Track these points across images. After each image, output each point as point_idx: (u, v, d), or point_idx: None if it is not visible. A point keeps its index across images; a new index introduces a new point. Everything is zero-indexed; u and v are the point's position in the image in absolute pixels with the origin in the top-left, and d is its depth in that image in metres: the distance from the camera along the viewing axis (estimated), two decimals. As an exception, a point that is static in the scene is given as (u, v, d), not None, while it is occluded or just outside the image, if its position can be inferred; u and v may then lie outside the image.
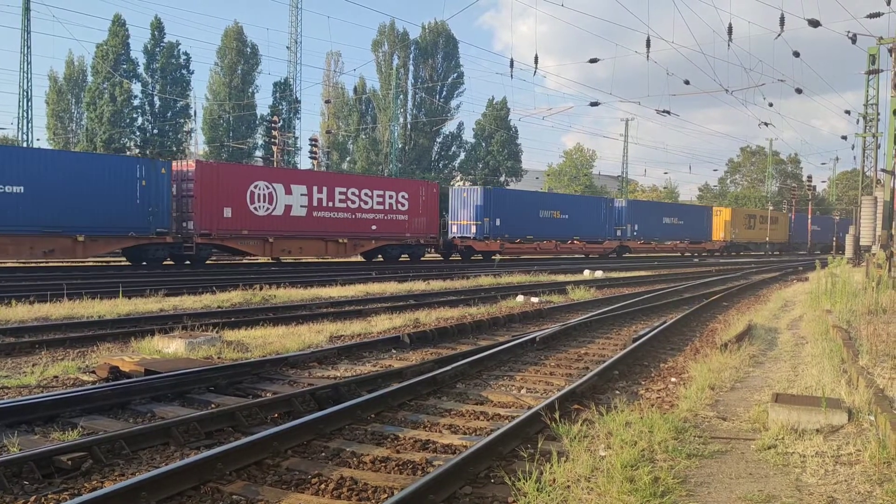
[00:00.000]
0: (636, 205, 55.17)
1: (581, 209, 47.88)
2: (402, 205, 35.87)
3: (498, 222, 40.50)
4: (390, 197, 35.43)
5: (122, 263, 29.27)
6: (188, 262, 29.15)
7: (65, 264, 25.71)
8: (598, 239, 48.62)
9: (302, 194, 31.72)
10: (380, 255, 36.38)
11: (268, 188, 30.39)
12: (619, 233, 50.50)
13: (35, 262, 26.42)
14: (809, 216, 73.62)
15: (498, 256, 37.46)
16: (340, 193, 33.28)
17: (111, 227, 25.64)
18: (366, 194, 34.34)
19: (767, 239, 65.50)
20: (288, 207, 31.09)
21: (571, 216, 46.21)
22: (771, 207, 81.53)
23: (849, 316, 13.32)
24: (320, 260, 33.50)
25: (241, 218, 29.24)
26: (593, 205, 50.23)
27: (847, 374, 8.26)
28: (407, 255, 36.78)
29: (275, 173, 33.01)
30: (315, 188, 32.23)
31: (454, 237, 40.30)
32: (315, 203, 32.10)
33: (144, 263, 27.77)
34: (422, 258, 37.88)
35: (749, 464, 5.39)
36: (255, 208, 29.84)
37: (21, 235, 23.57)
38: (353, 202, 33.77)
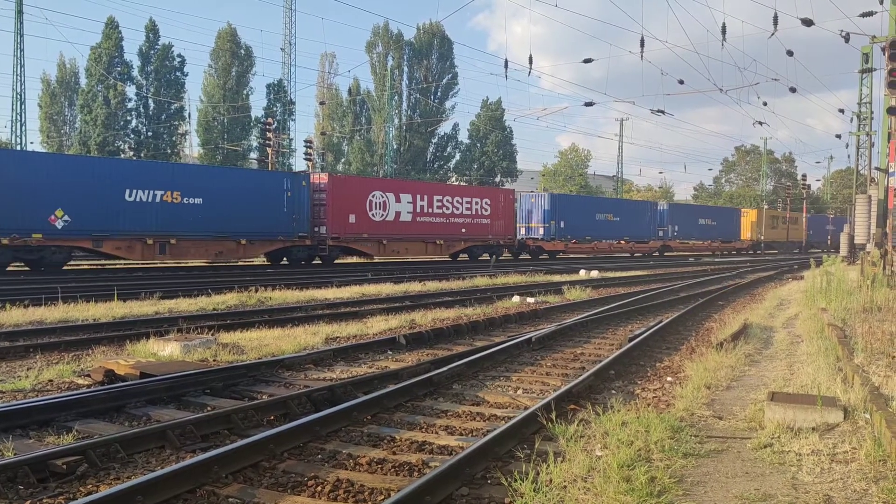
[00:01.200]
0: (676, 208, 59.99)
1: (630, 212, 52.70)
2: (486, 210, 40.28)
3: (562, 224, 44.91)
4: (476, 203, 39.89)
5: (115, 266, 29.21)
6: (319, 262, 33.11)
7: (59, 268, 25.68)
8: (644, 239, 52.92)
9: (408, 202, 36.12)
10: (465, 255, 40.66)
11: (382, 197, 34.77)
12: (661, 233, 54.76)
13: (204, 262, 30.19)
14: (830, 216, 75.90)
15: (559, 253, 40.18)
16: (438, 201, 37.78)
17: (265, 232, 29.96)
18: (457, 201, 38.86)
19: (787, 238, 69.23)
20: (398, 214, 35.47)
21: (622, 218, 50.68)
22: (766, 206, 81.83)
23: (844, 314, 13.35)
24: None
25: (362, 223, 33.52)
26: (640, 208, 55.05)
27: (842, 372, 8.27)
28: (487, 255, 40.23)
29: (387, 184, 38.07)
30: (418, 196, 36.77)
31: (524, 238, 44.35)
32: (418, 210, 36.58)
33: (286, 261, 32.36)
34: (500, 257, 41.42)
35: (745, 462, 5.39)
36: (373, 215, 34.17)
37: (200, 239, 28.07)
38: (448, 208, 38.28)
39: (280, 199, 30.50)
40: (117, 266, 29.24)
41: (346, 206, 32.85)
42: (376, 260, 35.10)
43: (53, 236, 24.38)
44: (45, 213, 24.04)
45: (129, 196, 26.06)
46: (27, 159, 26.13)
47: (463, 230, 39.01)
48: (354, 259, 36.08)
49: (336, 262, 34.11)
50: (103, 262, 29.79)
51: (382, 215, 34.61)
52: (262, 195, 29.95)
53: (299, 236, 31.06)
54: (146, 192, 26.51)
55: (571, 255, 45.38)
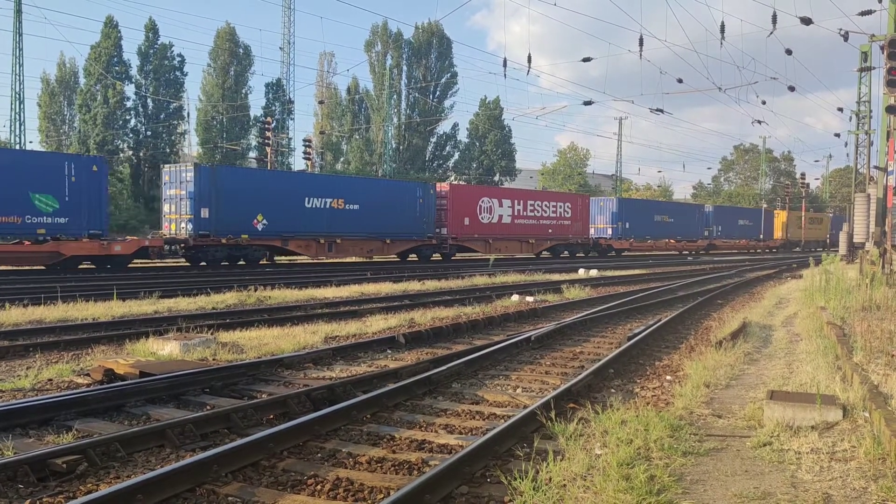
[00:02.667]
0: (719, 210, 64.45)
1: (681, 214, 58.12)
2: (567, 213, 45.83)
3: (627, 225, 50.42)
4: (559, 207, 45.42)
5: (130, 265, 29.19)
6: (440, 258, 38.39)
7: (59, 268, 25.66)
8: (693, 238, 58.03)
9: (508, 206, 41.63)
10: (548, 253, 45.66)
11: (489, 202, 40.46)
12: (706, 233, 59.63)
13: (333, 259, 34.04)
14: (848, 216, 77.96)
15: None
16: (530, 205, 43.20)
17: (403, 233, 35.68)
18: (545, 205, 44.36)
19: (814, 237, 72.78)
20: (500, 217, 41.03)
21: (675, 220, 56.13)
22: (765, 205, 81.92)
23: (843, 313, 13.36)
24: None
25: (474, 225, 39.35)
26: (690, 210, 60.55)
27: (841, 370, 8.28)
28: (567, 253, 46.42)
29: (493, 191, 44.36)
30: (516, 201, 42.27)
31: (596, 238, 49.67)
32: (516, 213, 42.07)
33: (415, 258, 37.75)
34: (577, 255, 46.97)
35: (745, 461, 5.40)
36: (482, 218, 39.81)
37: (357, 239, 33.93)
38: (538, 212, 43.67)
39: (414, 206, 36.08)
40: (116, 266, 29.18)
41: (462, 210, 38.58)
42: (485, 257, 39.16)
43: (256, 237, 29.97)
44: (250, 218, 29.53)
45: (308, 203, 31.73)
46: (238, 174, 32.46)
47: (549, 231, 44.55)
48: (468, 255, 41.96)
49: (453, 258, 39.76)
50: (288, 257, 34.58)
51: (489, 218, 40.29)
52: (401, 202, 35.45)
53: (427, 237, 36.96)
54: (320, 199, 32.19)
55: (635, 253, 50.70)
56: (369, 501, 4.88)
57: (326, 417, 6.51)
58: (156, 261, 28.71)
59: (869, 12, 27.68)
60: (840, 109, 74.70)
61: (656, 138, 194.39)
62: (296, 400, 7.23)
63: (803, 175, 79.06)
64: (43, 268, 25.14)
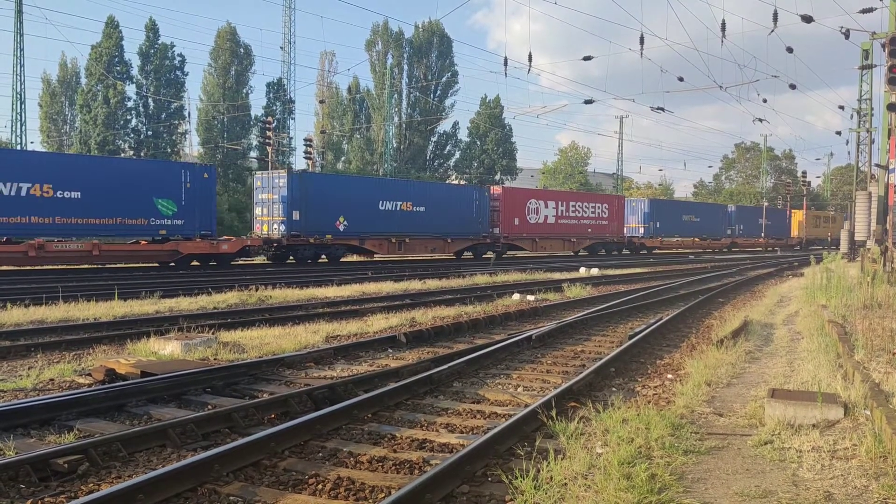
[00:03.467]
0: (742, 209, 67.67)
1: (707, 213, 61.02)
2: (605, 213, 49.08)
3: (658, 225, 53.56)
4: (598, 208, 48.78)
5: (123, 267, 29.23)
6: (490, 255, 39.52)
7: (59, 268, 25.71)
8: (717, 237, 61.06)
9: (553, 207, 44.93)
10: (586, 251, 48.32)
11: (536, 203, 43.80)
12: (729, 231, 62.44)
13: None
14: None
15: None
16: (572, 206, 46.56)
17: (461, 233, 38.97)
18: (585, 206, 47.65)
19: (829, 235, 73.96)
20: (546, 217, 44.27)
21: (701, 219, 59.04)
22: (766, 203, 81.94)
23: (844, 311, 13.35)
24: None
25: (523, 225, 42.55)
26: (714, 210, 63.21)
27: (843, 368, 8.28)
28: (604, 251, 49.54)
29: (539, 193, 48.39)
30: (559, 203, 45.71)
31: (628, 236, 52.55)
32: (559, 213, 45.35)
33: (470, 255, 40.63)
34: (613, 252, 50.01)
35: (746, 459, 5.40)
36: (529, 218, 43.01)
37: (423, 239, 37.16)
38: (578, 212, 47.00)
39: (471, 207, 39.46)
40: (118, 266, 29.23)
41: (513, 211, 41.79)
42: (532, 255, 43.89)
43: (338, 237, 33.22)
44: (333, 220, 32.77)
45: (382, 206, 34.97)
46: (323, 179, 35.72)
47: (589, 230, 47.86)
48: (517, 253, 45.00)
49: (504, 256, 42.54)
50: (362, 255, 36.66)
51: (536, 219, 43.54)
52: (460, 204, 38.93)
53: (482, 236, 40.15)
54: (391, 202, 35.49)
55: (664, 251, 53.71)
56: (370, 501, 4.88)
57: (328, 417, 6.51)
58: (254, 258, 33.26)
59: (870, 10, 27.64)
60: (841, 107, 74.75)
61: (657, 137, 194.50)
62: (297, 399, 7.24)
63: (804, 173, 79.03)
64: (157, 265, 28.40)
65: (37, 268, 25.91)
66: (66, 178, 25.28)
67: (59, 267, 25.86)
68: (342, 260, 34.27)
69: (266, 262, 33.17)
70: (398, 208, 35.72)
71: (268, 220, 31.88)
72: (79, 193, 25.36)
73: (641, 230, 52.71)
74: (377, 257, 36.22)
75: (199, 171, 29.13)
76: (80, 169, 26.44)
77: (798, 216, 73.04)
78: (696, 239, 58.29)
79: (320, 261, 33.25)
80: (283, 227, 31.22)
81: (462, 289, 20.48)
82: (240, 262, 31.27)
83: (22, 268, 25.47)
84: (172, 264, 28.10)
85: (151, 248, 27.51)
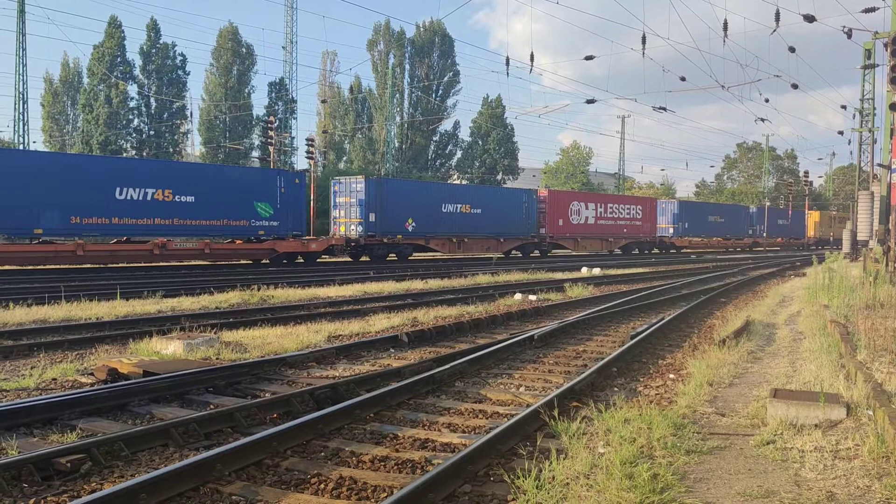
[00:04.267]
0: (762, 210, 70.12)
1: (731, 214, 64.14)
2: (639, 214, 52.84)
3: (686, 225, 57.09)
4: (633, 209, 52.45)
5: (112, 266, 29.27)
6: (538, 253, 44.57)
7: (62, 268, 25.74)
8: (740, 236, 64.26)
9: (593, 209, 48.25)
10: (620, 251, 52.05)
11: (578, 205, 47.25)
12: (750, 231, 65.71)
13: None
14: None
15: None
16: (609, 208, 49.99)
17: (512, 233, 42.23)
18: (621, 208, 51.30)
19: (840, 234, 76.16)
20: (586, 218, 47.66)
21: (726, 220, 62.18)
22: (768, 203, 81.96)
23: (846, 311, 13.33)
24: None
25: (566, 226, 46.08)
26: (737, 211, 66.33)
27: (845, 368, 8.27)
28: (638, 250, 53.58)
29: (580, 195, 51.83)
30: (598, 204, 49.11)
31: (659, 237, 55.90)
32: (598, 215, 48.67)
33: (519, 254, 43.78)
34: (645, 251, 54.02)
35: (748, 459, 5.40)
36: (572, 219, 46.43)
37: (480, 238, 40.30)
38: (616, 213, 50.44)
39: (521, 209, 42.74)
40: (120, 266, 29.30)
41: (557, 213, 45.24)
42: (574, 253, 47.48)
43: (407, 237, 36.38)
44: (403, 222, 35.87)
45: (444, 209, 38.36)
46: (395, 184, 38.74)
47: (625, 230, 51.47)
48: (559, 252, 48.58)
49: (549, 254, 46.06)
50: (428, 254, 41.43)
51: (578, 220, 46.92)
52: (511, 206, 42.21)
53: (531, 235, 43.43)
54: (452, 205, 38.87)
55: (692, 250, 57.46)
56: (373, 500, 4.89)
57: (330, 416, 6.52)
58: (336, 257, 36.36)
59: (872, 9, 27.62)
60: (843, 107, 74.86)
61: (659, 136, 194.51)
62: (299, 399, 7.24)
63: (807, 173, 79.28)
64: (250, 262, 31.35)
65: (41, 267, 25.95)
66: (182, 184, 28.24)
67: (61, 266, 25.90)
68: (409, 258, 37.84)
69: (341, 259, 36.50)
70: (458, 210, 39.24)
71: (345, 221, 35.34)
72: (193, 198, 28.41)
73: (671, 230, 56.11)
74: (439, 255, 40.82)
75: (291, 178, 32.55)
76: (194, 175, 29.77)
77: (814, 217, 75.93)
78: (721, 238, 61.30)
79: (388, 258, 36.48)
80: (360, 228, 34.58)
81: (464, 288, 20.48)
82: (241, 262, 31.32)
83: (237, 263, 30.03)
84: (267, 262, 31.15)
85: (253, 247, 30.70)
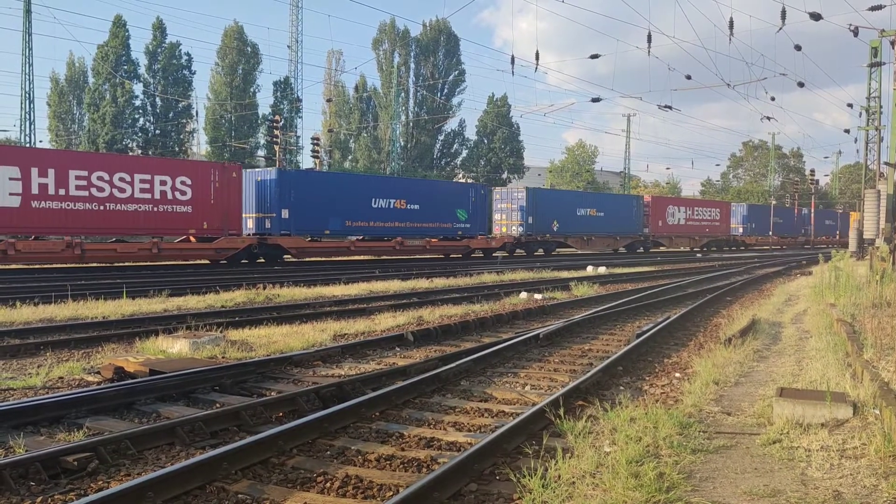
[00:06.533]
0: (814, 212, 76.78)
1: (788, 215, 72.69)
2: (717, 216, 61.41)
3: (753, 225, 65.55)
4: (712, 211, 61.30)
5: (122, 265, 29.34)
6: (641, 250, 52.55)
7: (68, 267, 25.82)
8: (795, 235, 71.81)
9: (683, 211, 57.24)
10: (703, 247, 59.36)
11: (672, 209, 56.19)
12: (803, 230, 73.94)
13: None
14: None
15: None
16: (696, 210, 58.81)
17: (626, 232, 50.80)
18: (704, 210, 60.19)
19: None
20: (678, 220, 56.45)
21: (784, 221, 70.70)
22: (774, 202, 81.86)
23: (853, 309, 13.29)
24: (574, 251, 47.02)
25: (664, 226, 54.55)
26: (792, 212, 74.54)
27: (851, 367, 8.25)
28: (716, 248, 60.67)
29: (674, 200, 61.79)
30: (687, 207, 58.17)
31: (732, 235, 63.60)
32: (687, 216, 57.44)
33: (623, 251, 51.27)
34: (723, 248, 61.34)
35: (754, 458, 5.39)
36: (668, 220, 55.10)
37: (602, 237, 48.41)
38: (699, 215, 59.03)
39: (631, 212, 51.21)
40: (127, 265, 29.40)
41: (657, 215, 53.61)
42: (671, 249, 55.56)
43: (553, 235, 44.38)
44: (550, 223, 43.79)
45: (579, 212, 46.25)
46: (545, 193, 47.46)
47: (706, 230, 59.73)
48: (659, 248, 55.47)
49: (652, 250, 53.64)
50: (563, 250, 47.53)
51: (673, 221, 55.52)
52: (624, 209, 50.75)
53: (638, 235, 51.91)
54: (584, 209, 46.77)
55: (758, 246, 64.87)
56: (379, 499, 4.89)
57: (335, 415, 6.52)
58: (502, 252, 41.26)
59: (879, 7, 27.49)
60: (850, 105, 74.69)
61: (664, 135, 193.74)
62: (305, 398, 7.25)
63: (812, 171, 79.07)
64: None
65: (55, 266, 26.03)
66: (412, 195, 36.59)
67: (62, 266, 25.98)
68: (553, 253, 45.38)
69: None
70: (588, 214, 47.11)
71: (506, 223, 43.06)
72: (418, 206, 36.60)
73: (740, 230, 64.19)
74: (574, 251, 47.48)
75: (479, 189, 41.22)
76: (418, 188, 38.52)
77: (855, 216, 78.81)
78: (778, 237, 69.17)
79: (536, 253, 43.46)
80: (521, 229, 42.63)
81: (469, 287, 20.47)
82: (244, 262, 31.44)
83: (436, 257, 36.77)
84: (460, 256, 39.55)
85: (455, 244, 38.87)
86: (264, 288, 17.71)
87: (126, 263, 27.88)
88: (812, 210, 77.84)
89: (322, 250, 33.02)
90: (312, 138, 46.00)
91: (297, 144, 61.42)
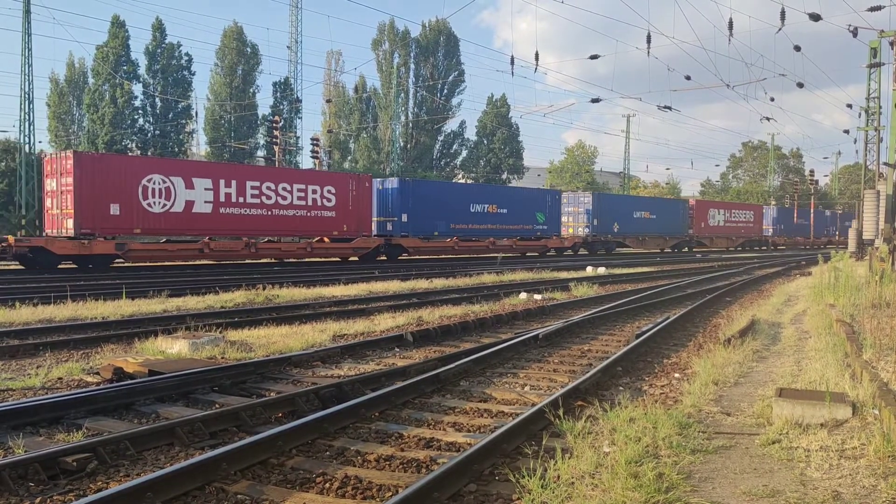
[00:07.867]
0: (835, 215, 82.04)
1: (815, 217, 76.22)
2: (751, 218, 66.78)
3: (782, 227, 70.69)
4: (747, 213, 66.85)
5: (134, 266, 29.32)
6: (686, 249, 58.03)
7: (70, 267, 25.86)
8: (819, 236, 76.51)
9: (722, 214, 62.75)
10: (738, 247, 64.56)
11: (713, 211, 61.75)
12: (826, 231, 78.53)
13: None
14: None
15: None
16: (733, 213, 64.46)
17: (674, 233, 56.12)
18: (740, 213, 65.86)
19: None
20: (718, 221, 61.73)
21: (815, 220, 75.48)
22: (773, 202, 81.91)
23: (852, 310, 13.30)
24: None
25: (705, 227, 59.70)
26: (819, 215, 78.72)
27: (851, 368, 8.25)
28: (749, 247, 65.40)
29: (715, 204, 66.19)
30: (725, 210, 63.68)
31: (763, 235, 69.30)
32: (726, 218, 62.97)
33: (668, 250, 56.03)
34: (754, 248, 66.24)
35: (753, 459, 5.39)
36: (709, 222, 60.44)
37: (653, 237, 54.10)
38: (736, 217, 64.77)
39: (678, 214, 56.83)
40: (126, 265, 29.42)
41: (700, 217, 59.06)
42: (711, 249, 59.59)
43: (614, 236, 49.85)
44: (611, 225, 49.08)
45: (635, 215, 51.91)
46: (607, 197, 52.65)
47: (742, 231, 65.18)
48: (700, 248, 59.51)
49: (694, 249, 58.88)
50: (622, 249, 53.30)
51: (713, 223, 61.10)
52: (673, 212, 56.37)
53: (684, 235, 56.91)
54: (639, 212, 52.51)
55: (785, 247, 69.61)
56: (378, 499, 4.89)
57: (335, 415, 6.52)
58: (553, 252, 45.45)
59: (878, 8, 27.52)
60: (849, 106, 74.85)
61: (664, 135, 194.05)
62: (304, 398, 7.25)
63: (812, 172, 79.15)
64: (536, 254, 43.43)
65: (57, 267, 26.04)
66: (500, 200, 41.47)
67: (71, 266, 25.98)
68: (613, 252, 50.06)
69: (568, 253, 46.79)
70: (642, 216, 52.54)
71: (573, 224, 48.14)
72: (506, 210, 41.40)
73: (770, 230, 69.42)
74: (632, 250, 53.28)
75: (554, 194, 46.49)
76: (505, 193, 44.14)
77: None
78: (803, 238, 73.79)
79: (598, 253, 48.36)
80: (587, 230, 47.84)
81: (469, 288, 20.47)
82: (246, 262, 31.44)
83: (513, 255, 40.50)
84: (536, 254, 43.76)
85: (535, 244, 43.34)
86: (264, 288, 17.71)
87: (289, 259, 33.04)
88: (837, 213, 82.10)
89: (432, 248, 38.16)
90: (312, 139, 46.08)
91: (296, 145, 61.44)
